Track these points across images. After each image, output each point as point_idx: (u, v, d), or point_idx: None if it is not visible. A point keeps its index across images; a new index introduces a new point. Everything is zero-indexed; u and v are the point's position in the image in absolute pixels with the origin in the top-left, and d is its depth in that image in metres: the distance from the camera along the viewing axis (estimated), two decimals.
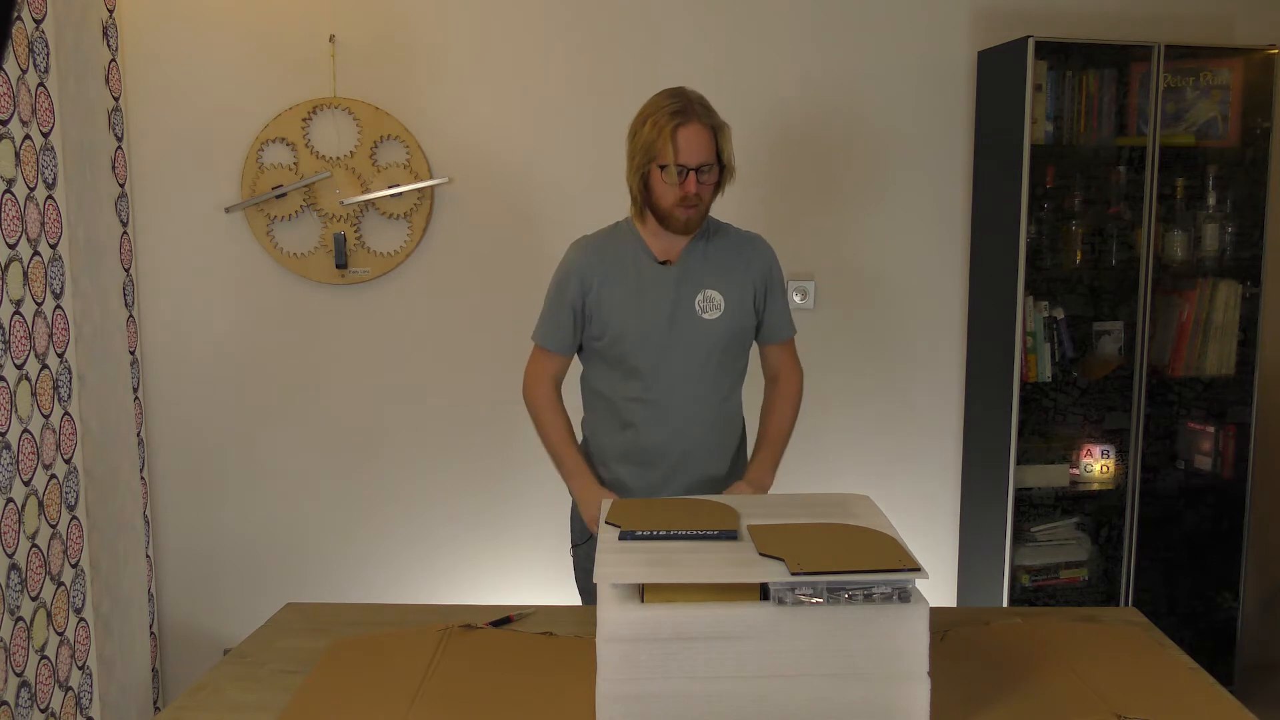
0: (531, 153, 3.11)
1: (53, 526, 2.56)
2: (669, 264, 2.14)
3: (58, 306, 2.60)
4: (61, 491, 2.60)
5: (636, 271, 2.14)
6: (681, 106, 2.02)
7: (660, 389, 2.13)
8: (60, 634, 2.59)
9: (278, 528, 3.20)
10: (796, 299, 3.19)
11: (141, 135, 3.05)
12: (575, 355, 2.25)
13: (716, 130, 2.06)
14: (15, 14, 2.36)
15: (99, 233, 2.76)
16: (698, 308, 2.12)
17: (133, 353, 3.03)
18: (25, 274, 2.46)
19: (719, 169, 2.08)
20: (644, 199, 2.10)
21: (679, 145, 2.01)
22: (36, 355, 2.50)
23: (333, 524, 3.21)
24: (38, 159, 2.51)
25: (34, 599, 2.47)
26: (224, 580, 3.21)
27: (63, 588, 2.61)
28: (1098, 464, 3.15)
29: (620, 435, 2.18)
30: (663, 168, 2.03)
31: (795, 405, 2.28)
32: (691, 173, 2.02)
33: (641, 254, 2.15)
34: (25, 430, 2.45)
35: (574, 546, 2.31)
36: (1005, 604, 3.03)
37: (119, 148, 2.98)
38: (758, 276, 2.20)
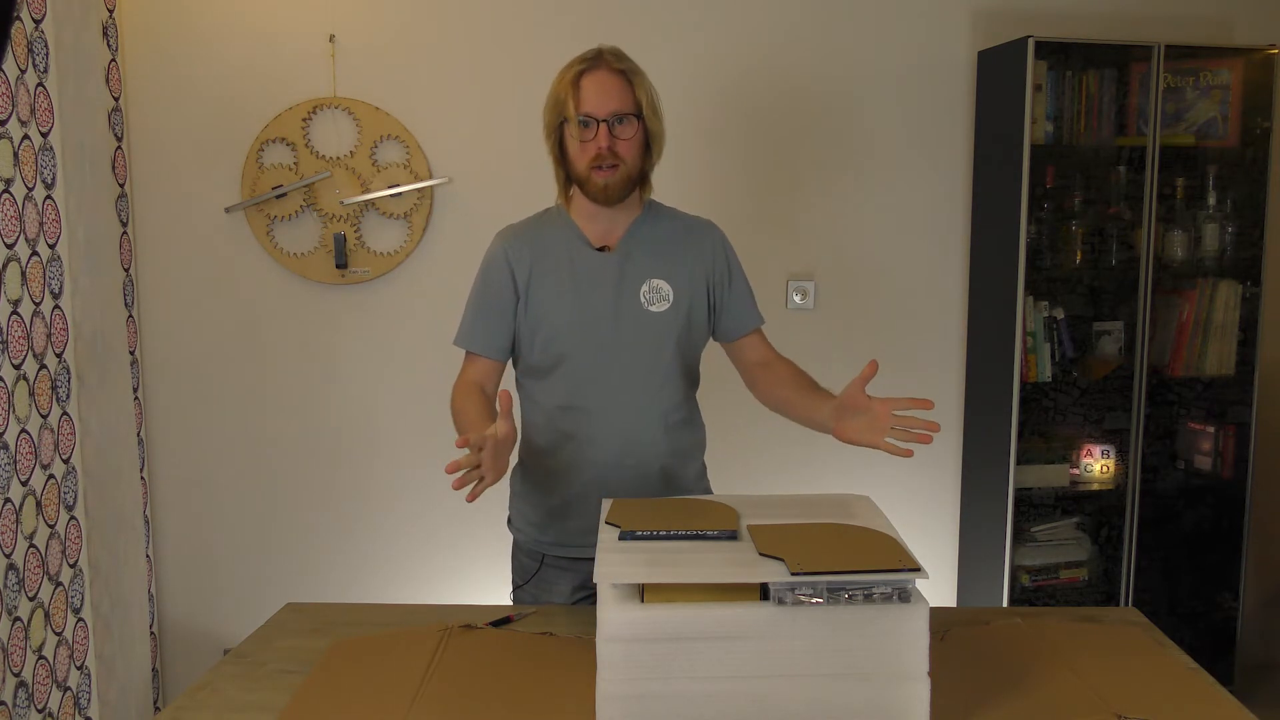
0: (531, 153, 3.09)
1: (50, 527, 2.56)
2: (608, 250, 1.88)
3: (56, 306, 2.60)
4: (60, 492, 2.60)
5: (570, 260, 1.87)
6: (590, 55, 1.80)
7: (602, 395, 1.86)
8: (59, 634, 2.59)
9: (278, 528, 3.20)
10: (796, 299, 3.19)
11: (141, 135, 3.05)
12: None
13: (630, 76, 1.79)
14: (15, 14, 2.36)
15: (99, 233, 2.76)
16: (643, 299, 1.87)
17: (133, 353, 3.03)
18: (24, 274, 2.46)
19: (640, 125, 1.81)
20: (564, 169, 1.87)
21: (582, 93, 1.77)
22: (35, 355, 2.50)
23: (333, 524, 3.21)
24: (36, 159, 2.51)
25: (31, 599, 2.47)
26: (224, 580, 3.21)
27: (60, 588, 2.61)
28: (1098, 464, 3.15)
29: (557, 456, 1.90)
30: (568, 122, 1.80)
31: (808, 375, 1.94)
32: (602, 125, 1.77)
33: (575, 240, 1.89)
34: (23, 430, 2.45)
35: (515, 588, 2.05)
36: (1005, 604, 3.03)
37: (119, 148, 2.98)
38: (710, 263, 1.93)
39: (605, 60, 1.78)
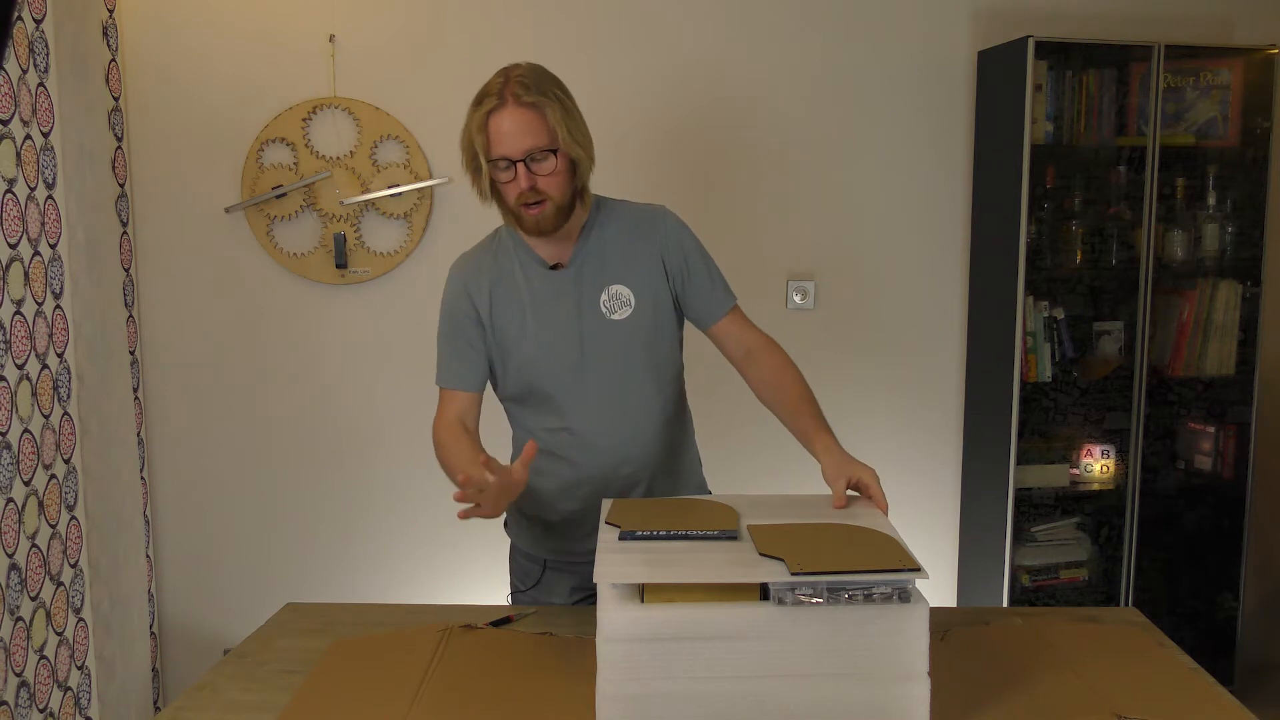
0: None
1: (52, 526, 2.56)
2: (562, 267, 1.84)
3: (57, 306, 2.60)
4: (61, 491, 2.61)
5: (527, 283, 1.84)
6: (495, 90, 1.70)
7: (583, 414, 1.84)
8: (59, 634, 2.59)
9: (278, 528, 3.20)
10: (796, 299, 3.19)
11: (141, 135, 3.05)
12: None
13: (541, 108, 1.69)
14: (15, 14, 2.36)
15: (99, 233, 2.76)
16: (604, 309, 1.82)
17: (133, 353, 3.03)
18: (26, 274, 2.46)
19: (558, 156, 1.72)
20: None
21: (491, 136, 1.69)
22: (37, 355, 2.50)
23: (333, 524, 3.21)
24: (38, 159, 2.51)
25: (33, 599, 2.48)
26: (224, 580, 3.21)
27: (62, 588, 2.61)
28: (1098, 464, 3.15)
29: (552, 477, 1.88)
30: (489, 163, 1.72)
31: (792, 364, 1.87)
32: (519, 165, 1.70)
33: (529, 261, 1.85)
34: (26, 430, 2.45)
35: (515, 591, 2.04)
36: (1005, 604, 3.03)
37: (119, 148, 2.98)
38: (666, 255, 1.86)
39: (512, 94, 1.68)
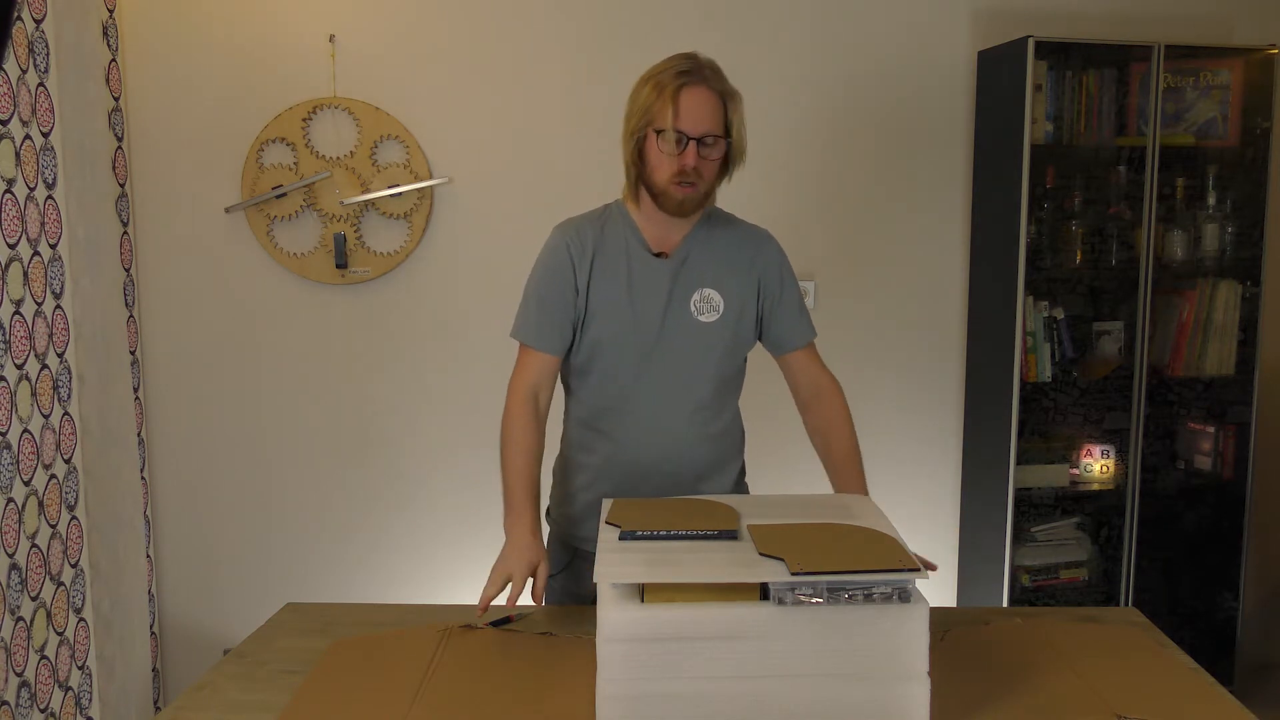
0: (531, 153, 3.11)
1: (52, 526, 2.56)
2: (664, 256, 1.88)
3: (58, 306, 2.60)
4: (61, 491, 2.61)
5: (628, 263, 1.87)
6: (690, 68, 1.77)
7: (641, 401, 1.87)
8: (60, 634, 2.59)
9: (278, 528, 3.20)
10: None
11: (141, 135, 3.05)
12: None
13: (726, 99, 1.79)
14: (15, 14, 2.36)
15: (99, 233, 2.76)
16: (693, 308, 1.87)
17: (133, 353, 3.03)
18: (25, 274, 2.46)
19: (726, 145, 1.81)
20: (638, 172, 1.84)
21: (680, 108, 1.74)
22: (37, 355, 2.50)
23: (333, 524, 3.21)
24: (38, 159, 2.51)
25: (34, 599, 2.48)
26: (224, 580, 3.21)
27: (62, 588, 2.61)
28: (1098, 464, 3.15)
29: (595, 453, 1.93)
30: (660, 133, 1.76)
31: (848, 413, 1.98)
32: (692, 143, 1.76)
33: (634, 242, 1.88)
34: (25, 430, 2.45)
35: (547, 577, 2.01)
36: (1005, 604, 3.03)
37: (119, 148, 2.98)
38: (764, 275, 1.93)
39: (705, 77, 1.77)
